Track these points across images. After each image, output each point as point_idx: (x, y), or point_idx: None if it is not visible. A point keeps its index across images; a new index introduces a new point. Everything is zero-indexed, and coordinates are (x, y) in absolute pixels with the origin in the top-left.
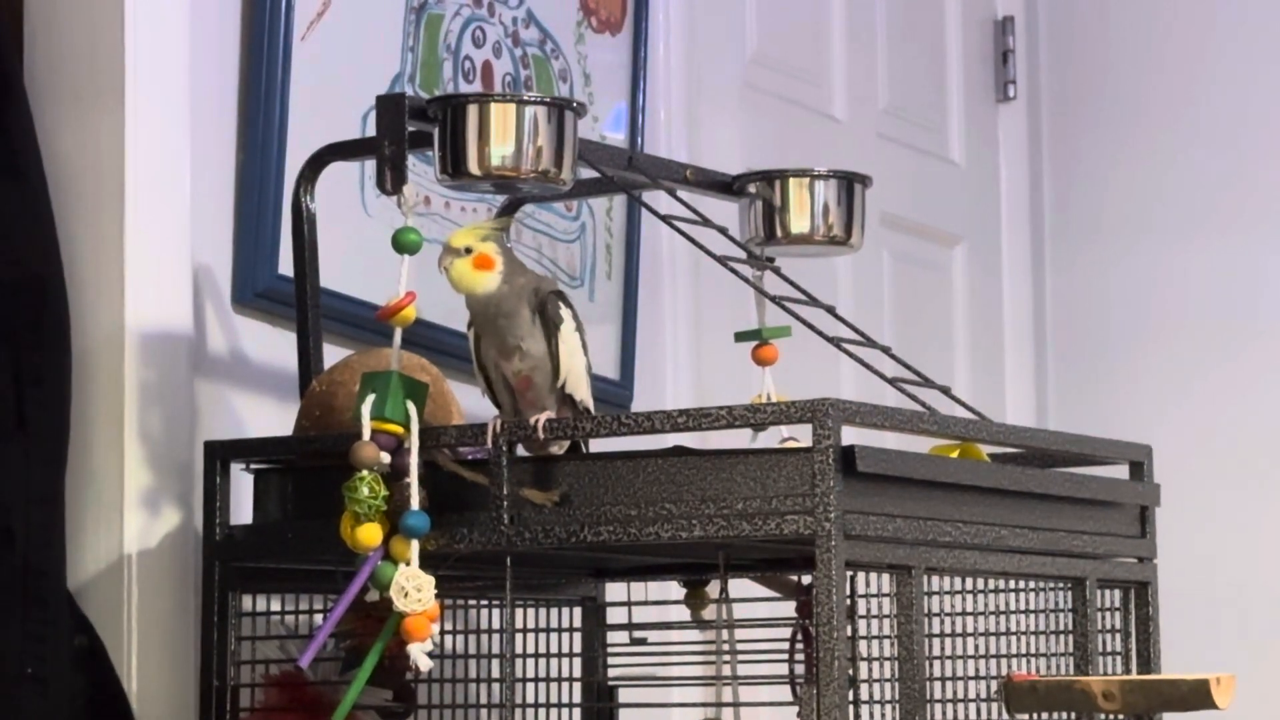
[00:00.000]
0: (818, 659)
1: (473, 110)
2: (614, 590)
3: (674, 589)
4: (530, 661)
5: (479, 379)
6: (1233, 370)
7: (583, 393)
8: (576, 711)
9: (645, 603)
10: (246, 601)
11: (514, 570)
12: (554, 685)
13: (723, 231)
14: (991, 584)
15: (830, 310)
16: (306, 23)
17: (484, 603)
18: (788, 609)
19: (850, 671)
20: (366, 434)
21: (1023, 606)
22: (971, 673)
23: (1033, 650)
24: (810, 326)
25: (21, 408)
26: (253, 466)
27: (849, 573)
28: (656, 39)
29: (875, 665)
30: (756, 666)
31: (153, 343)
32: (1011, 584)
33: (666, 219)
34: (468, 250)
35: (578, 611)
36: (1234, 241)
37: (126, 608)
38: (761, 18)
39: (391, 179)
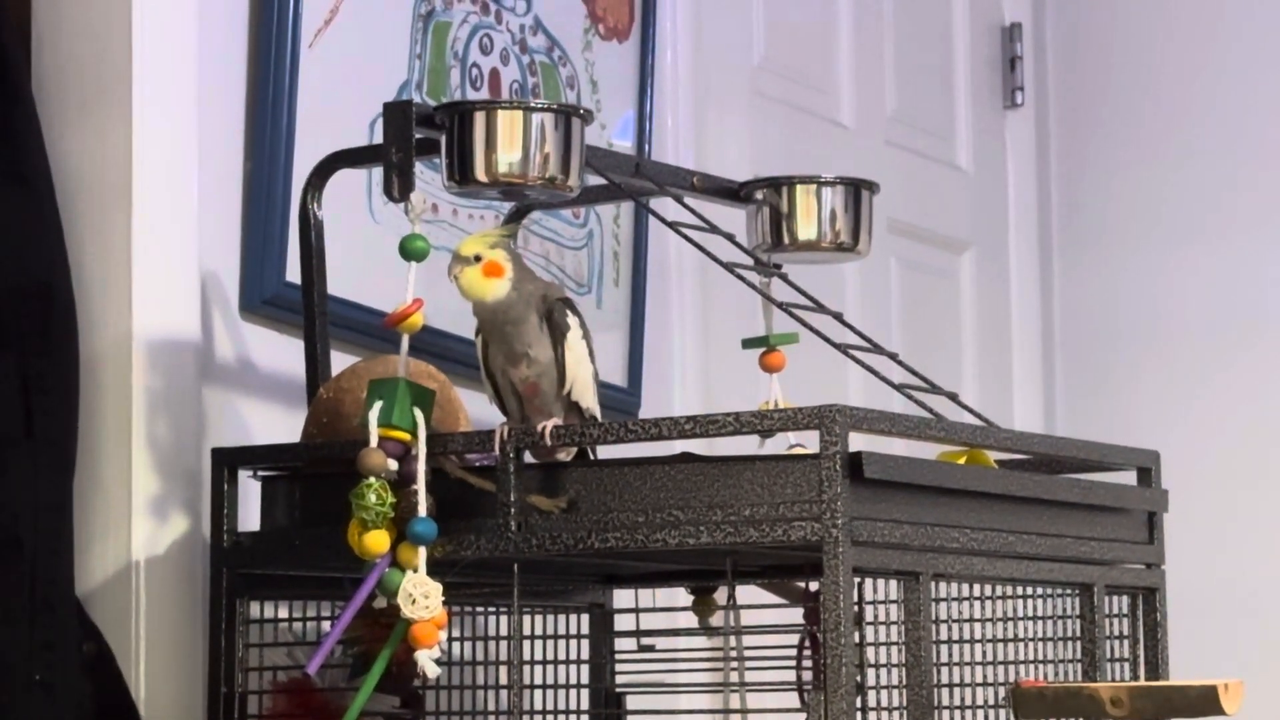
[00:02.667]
0: (825, 665)
1: (480, 117)
2: (622, 597)
3: (682, 596)
4: (538, 668)
5: (486, 386)
6: (1241, 376)
7: (589, 400)
8: (584, 718)
9: (653, 609)
10: (254, 608)
11: (521, 577)
12: (562, 692)
13: (730, 238)
14: (999, 590)
15: (838, 317)
16: (314, 30)
17: (491, 609)
18: (795, 615)
19: (858, 678)
20: (374, 441)
21: (1030, 613)
22: (979, 679)
23: (1041, 656)
24: (818, 333)
25: (29, 415)
26: (260, 473)
27: (856, 579)
28: (664, 46)
29: (883, 671)
30: (764, 673)
31: (160, 350)
32: (1019, 590)
33: (674, 226)
34: (477, 258)
35: (585, 618)
36: (1242, 247)
37: (134, 614)
38: (769, 24)
39: (399, 186)
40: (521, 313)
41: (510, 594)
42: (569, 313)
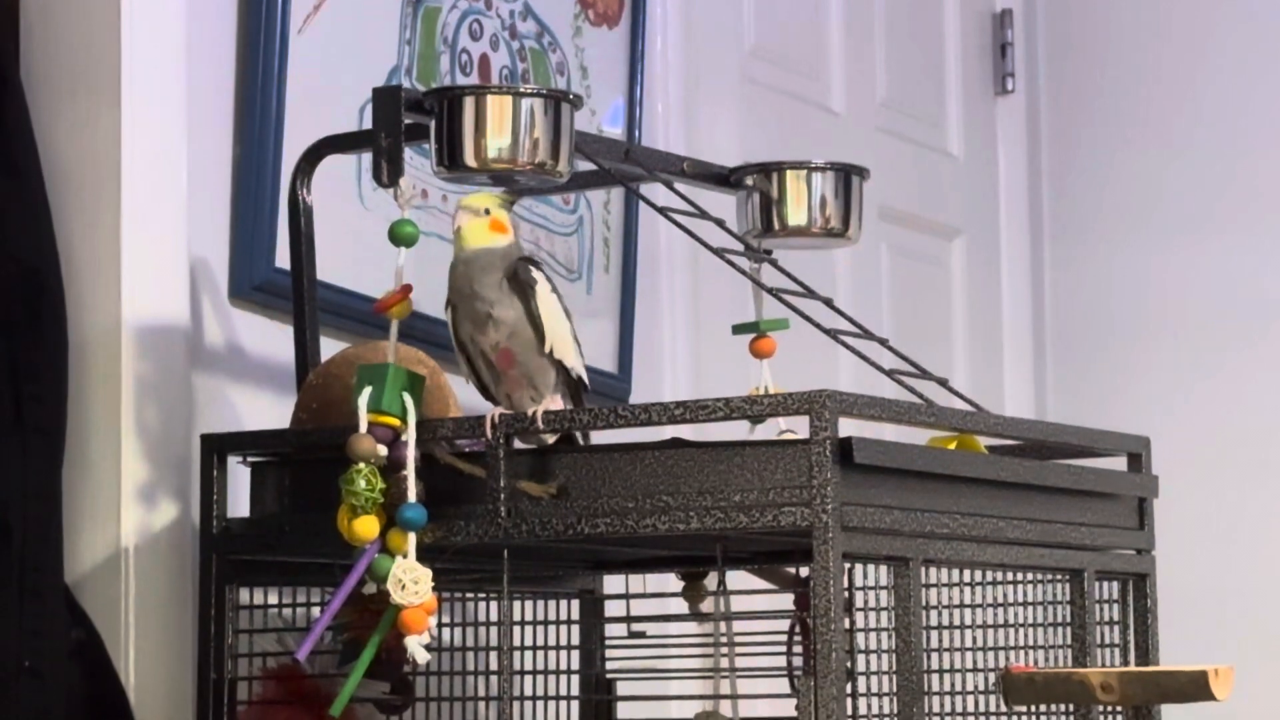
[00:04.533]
0: (815, 651)
1: (469, 103)
2: (612, 583)
3: (672, 581)
4: (528, 654)
5: (460, 359)
6: (1231, 362)
7: (572, 359)
8: (574, 704)
9: (643, 595)
10: (244, 594)
11: (511, 563)
12: (552, 678)
13: (720, 224)
14: (989, 576)
15: (828, 303)
16: (303, 16)
17: (481, 595)
18: (785, 601)
19: (848, 663)
20: (363, 426)
21: (1021, 598)
22: (969, 665)
23: (1031, 642)
24: (808, 319)
25: (18, 402)
26: (250, 459)
27: (846, 565)
28: (654, 32)
29: (873, 657)
30: (754, 658)
31: (149, 336)
32: (1009, 576)
33: (664, 211)
34: (487, 211)
35: (575, 604)
36: (1232, 234)
37: (124, 601)
38: (759, 11)
39: (388, 171)
40: (489, 261)
41: (500, 580)
42: (532, 268)
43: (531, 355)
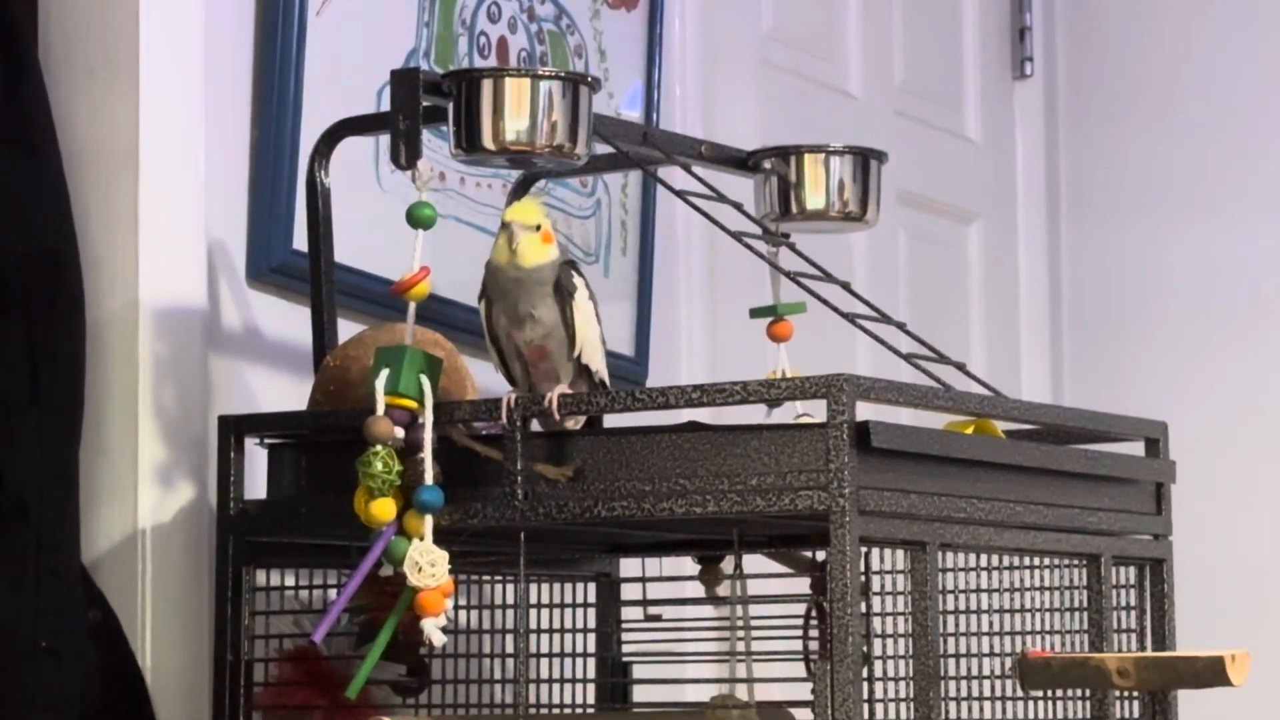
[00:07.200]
0: (832, 635)
1: (487, 85)
2: (628, 566)
3: (688, 565)
4: (544, 637)
5: (491, 352)
6: (1249, 347)
7: (598, 363)
8: (590, 687)
9: (660, 579)
10: (260, 576)
11: (528, 546)
12: (568, 661)
13: (738, 207)
14: (1006, 561)
15: (846, 286)
16: None
17: (498, 578)
18: (802, 585)
19: (864, 648)
20: (380, 409)
21: (1038, 583)
22: (986, 650)
23: (1047, 627)
24: (825, 303)
25: (36, 383)
26: (267, 441)
27: (863, 549)
28: (672, 15)
29: (889, 642)
30: (770, 642)
31: (167, 317)
32: (1026, 561)
33: (682, 195)
34: (537, 227)
35: (592, 587)
36: (1251, 217)
37: (141, 582)
38: None
39: (406, 154)
40: (543, 275)
41: (517, 562)
42: (574, 274)
43: (562, 354)
